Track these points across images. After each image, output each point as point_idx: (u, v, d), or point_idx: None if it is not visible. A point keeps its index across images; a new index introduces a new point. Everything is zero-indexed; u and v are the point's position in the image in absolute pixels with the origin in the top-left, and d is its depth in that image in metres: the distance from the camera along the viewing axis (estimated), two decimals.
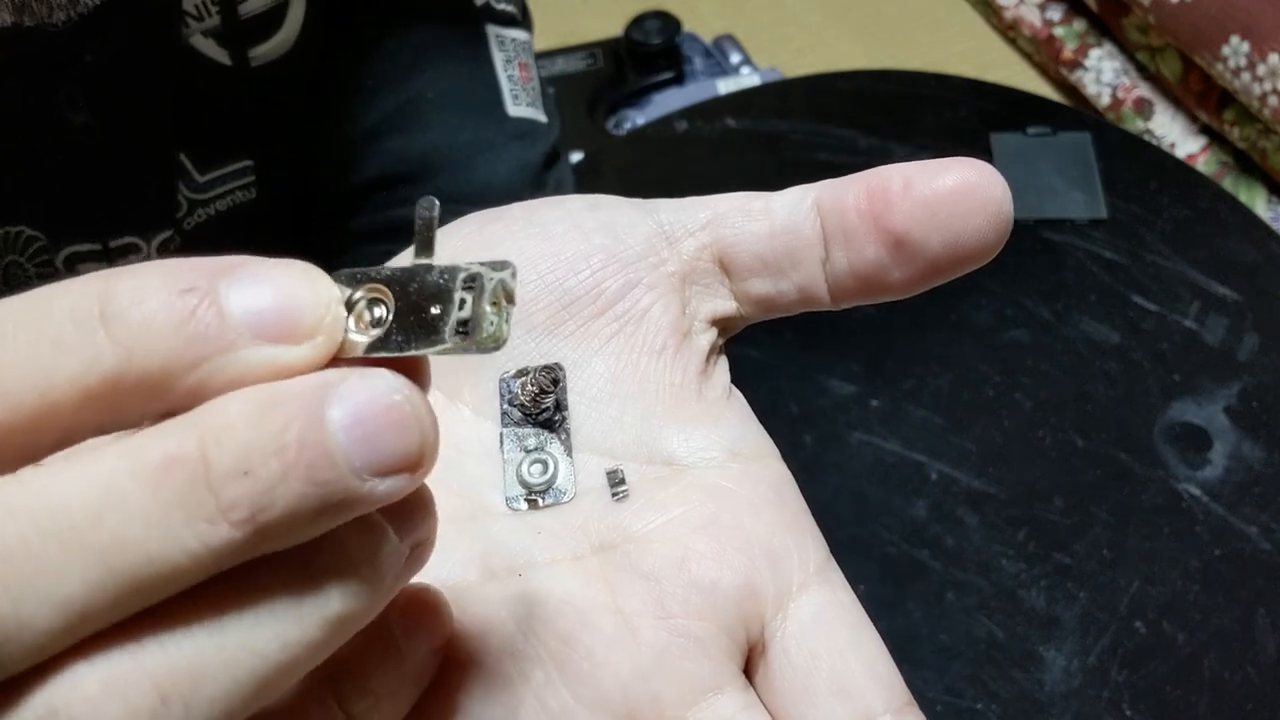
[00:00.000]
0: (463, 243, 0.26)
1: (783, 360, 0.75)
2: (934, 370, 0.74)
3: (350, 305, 0.19)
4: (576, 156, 1.18)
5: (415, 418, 0.17)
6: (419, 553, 0.19)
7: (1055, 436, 0.71)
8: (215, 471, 0.16)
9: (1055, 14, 1.30)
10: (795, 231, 0.24)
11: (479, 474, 0.24)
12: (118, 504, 0.16)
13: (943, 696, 0.62)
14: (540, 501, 0.24)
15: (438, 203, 0.20)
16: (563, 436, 0.24)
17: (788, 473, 0.25)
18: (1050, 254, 0.80)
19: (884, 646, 0.23)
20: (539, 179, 0.51)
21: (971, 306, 0.77)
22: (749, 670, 0.23)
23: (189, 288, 0.17)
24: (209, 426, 0.17)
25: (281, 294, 0.18)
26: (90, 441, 0.17)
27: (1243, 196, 1.12)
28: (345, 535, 0.18)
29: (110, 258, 0.48)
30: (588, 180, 0.89)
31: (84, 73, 0.43)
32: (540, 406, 0.24)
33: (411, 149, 0.50)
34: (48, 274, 0.47)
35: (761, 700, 0.23)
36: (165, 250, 0.49)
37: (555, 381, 0.24)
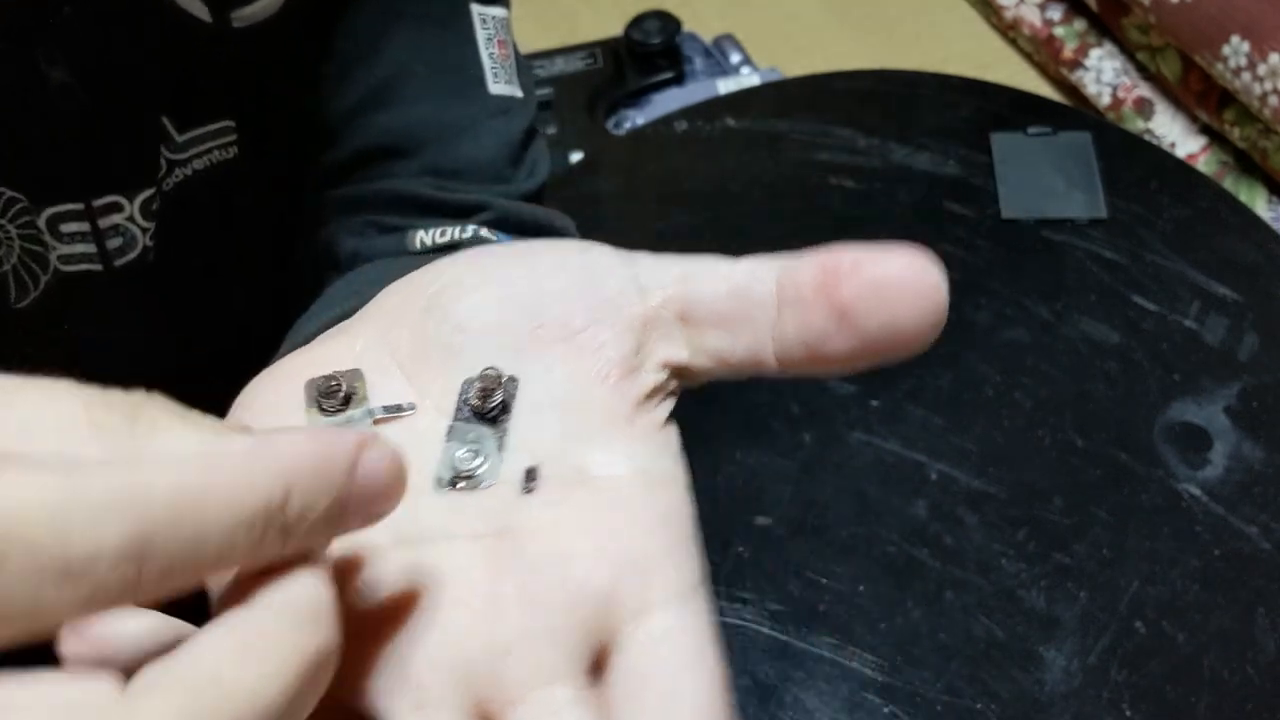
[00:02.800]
0: (457, 270, 0.29)
1: None
2: (934, 370, 0.74)
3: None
4: (576, 156, 1.18)
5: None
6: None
7: (1055, 436, 0.71)
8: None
9: (1055, 14, 1.30)
10: (751, 293, 0.26)
11: (426, 459, 0.27)
12: None
13: (942, 696, 0.62)
14: (460, 484, 0.27)
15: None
16: (500, 434, 0.27)
17: (686, 502, 0.27)
18: (1050, 254, 0.80)
19: (722, 681, 0.24)
20: (518, 156, 0.53)
21: (971, 306, 0.77)
22: (597, 671, 0.25)
23: None
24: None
25: None
26: None
27: (1243, 196, 1.13)
28: None
29: (93, 217, 0.48)
30: (588, 180, 0.89)
31: (62, 28, 0.43)
32: (488, 405, 0.27)
33: (398, 124, 0.51)
34: (30, 235, 0.47)
35: (600, 701, 0.24)
36: (148, 209, 0.49)
37: (499, 383, 0.27)
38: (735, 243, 0.88)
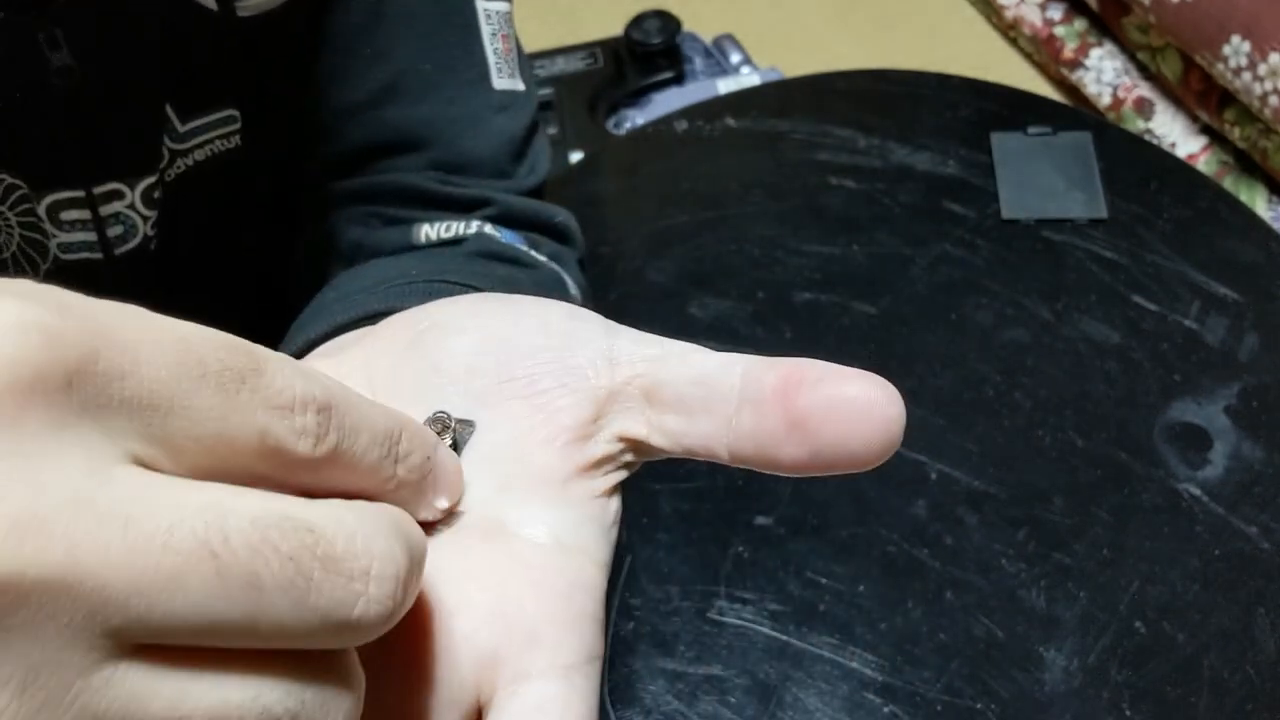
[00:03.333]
0: (448, 313, 0.30)
1: None
2: (934, 370, 0.74)
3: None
4: (576, 156, 1.18)
5: None
6: None
7: (1055, 436, 0.71)
8: None
9: (1056, 14, 1.30)
10: (716, 386, 0.27)
11: None
12: None
13: (942, 696, 0.62)
14: None
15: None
16: None
17: (598, 581, 0.27)
18: (1050, 254, 0.80)
19: None
20: (520, 150, 0.53)
21: (971, 306, 0.77)
22: None
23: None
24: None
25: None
26: None
27: (1243, 196, 1.13)
28: None
29: (94, 205, 0.48)
30: (588, 180, 0.89)
31: (64, 12, 0.42)
32: None
33: (406, 119, 0.51)
34: (30, 223, 0.47)
35: None
36: (149, 198, 0.49)
37: (448, 425, 0.28)
38: (735, 243, 0.89)
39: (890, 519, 0.68)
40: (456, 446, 0.28)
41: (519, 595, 0.26)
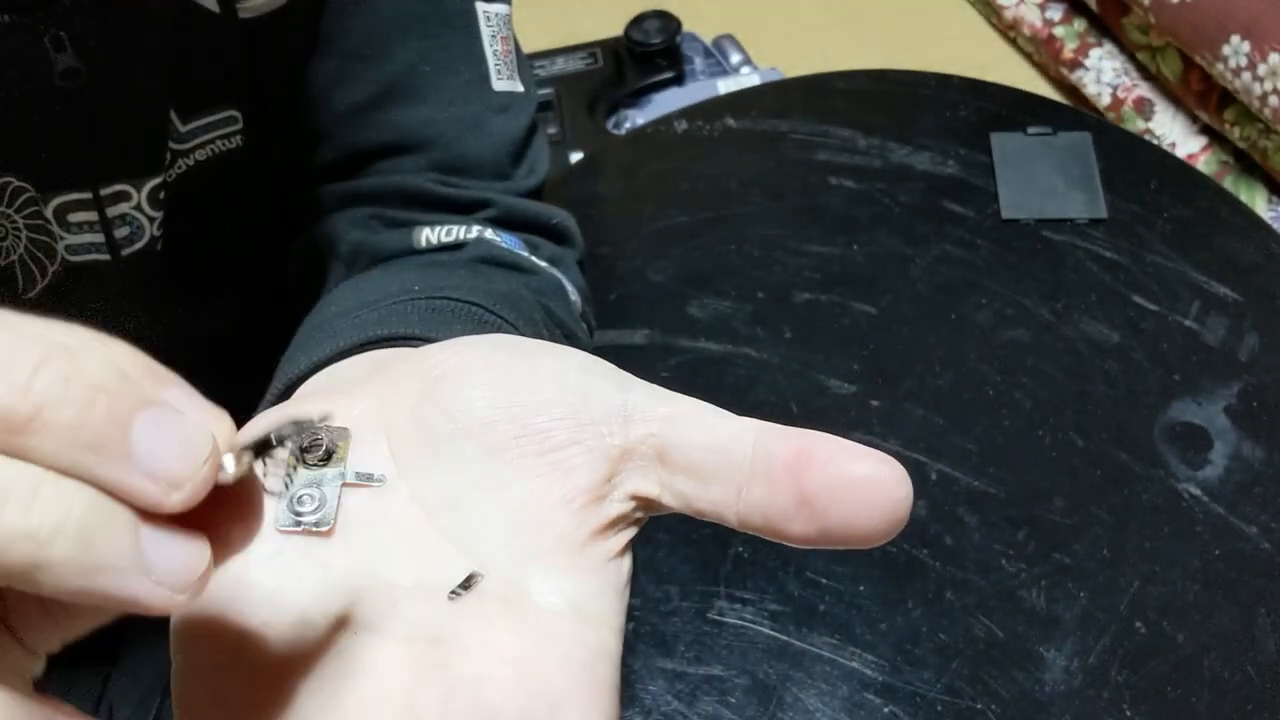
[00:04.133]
0: (464, 359, 0.29)
1: (783, 360, 0.75)
2: (934, 370, 0.74)
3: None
4: (576, 156, 1.18)
5: None
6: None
7: (1055, 436, 0.71)
8: None
9: (1055, 14, 1.30)
10: (729, 454, 0.27)
11: (383, 538, 0.28)
12: None
13: (942, 696, 0.62)
14: (299, 526, 0.27)
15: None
16: (338, 481, 0.28)
17: (616, 648, 0.27)
18: (1050, 254, 0.80)
19: None
20: (520, 152, 0.53)
21: (971, 306, 0.77)
22: None
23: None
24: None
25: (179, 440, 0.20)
26: None
27: (1243, 196, 1.13)
28: None
29: (101, 206, 0.48)
30: (588, 180, 0.89)
31: (69, 14, 0.43)
32: (312, 454, 0.28)
33: (407, 121, 0.51)
34: (38, 226, 0.47)
35: None
36: (155, 198, 0.49)
37: (301, 430, 0.27)
38: (735, 243, 0.89)
39: None
40: (329, 456, 0.28)
41: (542, 668, 0.26)
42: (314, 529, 0.27)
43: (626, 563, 0.28)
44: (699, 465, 0.27)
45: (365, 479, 0.28)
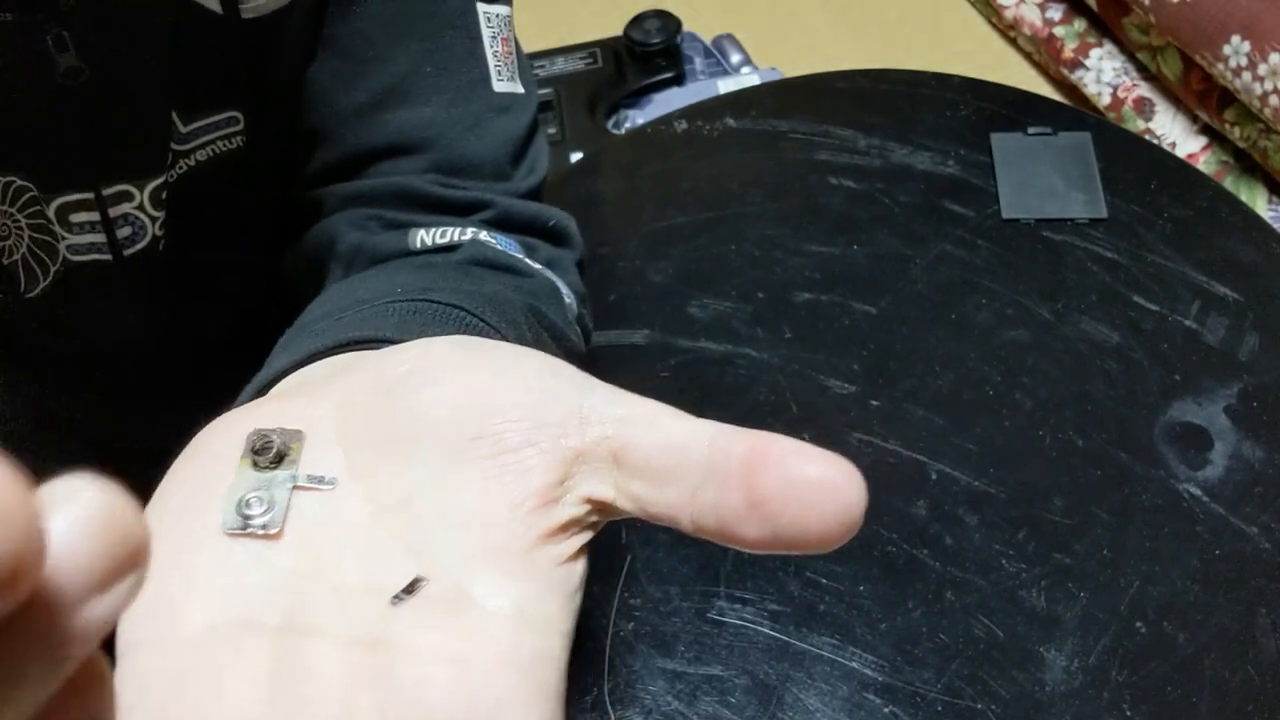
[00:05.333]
0: (428, 359, 0.29)
1: (783, 360, 0.75)
2: (934, 370, 0.74)
3: None
4: (576, 156, 1.18)
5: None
6: None
7: (1055, 436, 0.71)
8: None
9: (1055, 14, 1.30)
10: (685, 455, 0.27)
11: (331, 540, 0.28)
12: None
13: (942, 696, 0.62)
14: (247, 528, 0.27)
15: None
16: (289, 483, 0.28)
17: (560, 652, 0.27)
18: (1050, 254, 0.80)
19: None
20: (520, 153, 0.53)
21: (971, 306, 0.77)
22: None
23: None
24: None
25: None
26: None
27: (1243, 196, 1.13)
28: None
29: (103, 207, 0.48)
30: (588, 180, 0.89)
31: (71, 13, 0.43)
32: (264, 456, 0.28)
33: (408, 122, 0.51)
34: (40, 225, 0.47)
35: None
36: (157, 198, 0.49)
37: (266, 446, 0.28)
38: (735, 243, 0.89)
39: (890, 519, 0.68)
40: (281, 459, 0.28)
41: (483, 672, 0.25)
42: (261, 531, 0.27)
43: (579, 567, 0.28)
44: (654, 466, 0.27)
45: (316, 481, 0.28)
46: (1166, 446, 0.70)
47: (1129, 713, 0.61)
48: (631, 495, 0.28)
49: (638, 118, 1.20)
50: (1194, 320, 0.76)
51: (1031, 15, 1.32)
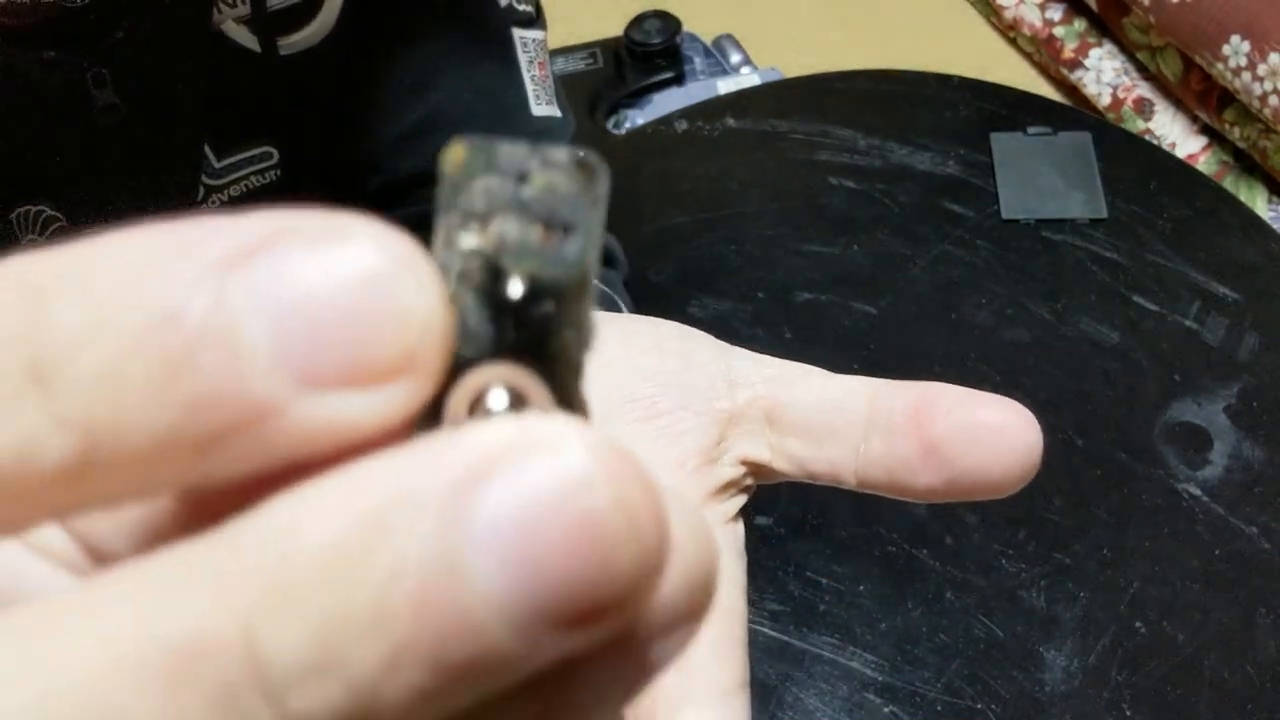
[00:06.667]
0: None
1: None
2: (934, 370, 0.74)
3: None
4: None
5: (628, 526, 0.11)
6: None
7: (1055, 436, 0.71)
8: (274, 670, 0.10)
9: (1055, 14, 1.30)
10: (843, 410, 0.27)
11: None
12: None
13: (942, 696, 0.62)
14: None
15: None
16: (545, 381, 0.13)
17: (742, 606, 0.27)
18: (1050, 254, 0.80)
19: None
20: None
21: (972, 306, 0.77)
22: None
23: (173, 309, 0.11)
24: (259, 582, 0.10)
25: (342, 299, 0.11)
26: (59, 602, 0.11)
27: (1243, 196, 1.12)
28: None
29: None
30: None
31: (113, 52, 0.43)
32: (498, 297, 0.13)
33: None
34: None
35: None
36: None
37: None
38: (735, 243, 0.89)
39: (890, 519, 0.68)
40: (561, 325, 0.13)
41: None
42: None
43: (741, 529, 0.28)
44: (811, 425, 0.27)
45: None
46: (1166, 446, 0.70)
47: (1129, 713, 0.61)
48: (789, 455, 0.27)
49: (638, 118, 1.20)
50: (1194, 320, 0.76)
51: (1031, 15, 1.32)
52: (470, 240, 0.12)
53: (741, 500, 0.28)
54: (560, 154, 0.13)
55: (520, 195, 0.13)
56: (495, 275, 0.12)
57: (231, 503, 0.11)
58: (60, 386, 0.11)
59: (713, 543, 0.13)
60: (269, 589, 0.10)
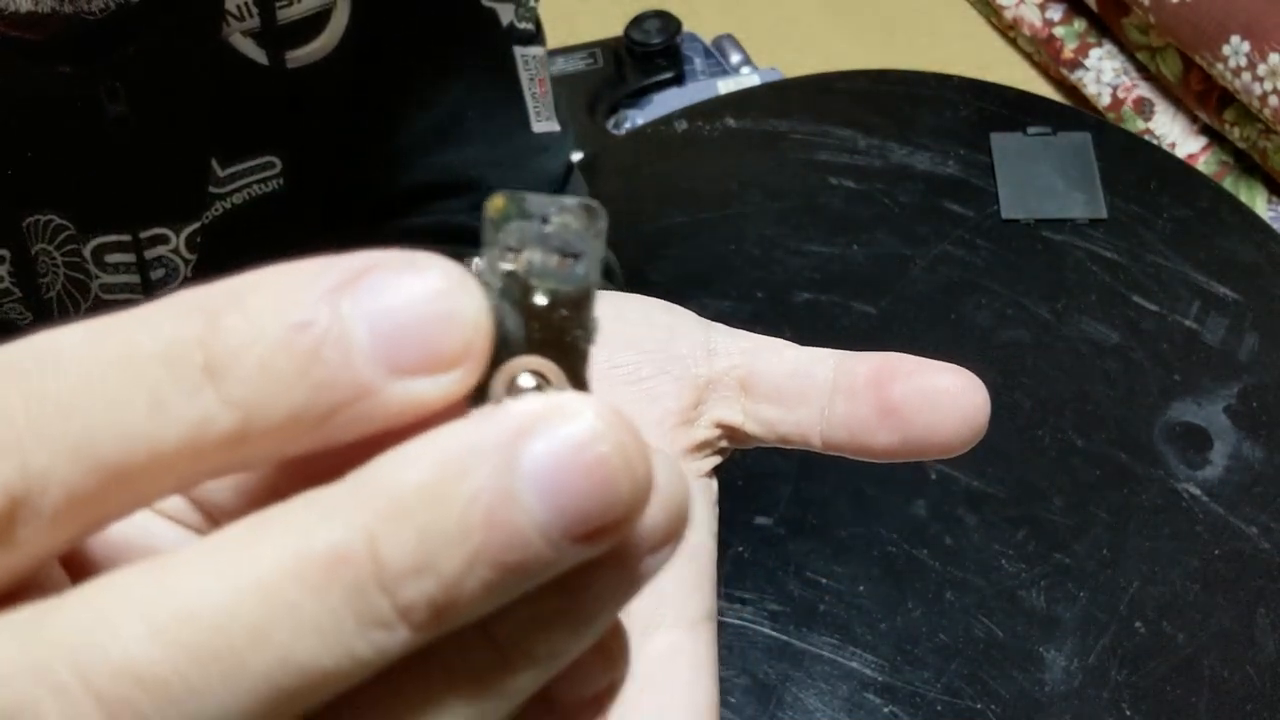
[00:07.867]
0: None
1: None
2: None
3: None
4: (576, 156, 1.18)
5: (625, 467, 0.15)
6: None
7: (1055, 436, 0.71)
8: (389, 571, 0.15)
9: (1055, 14, 1.30)
10: (810, 376, 0.29)
11: None
12: (283, 617, 0.15)
13: (942, 696, 0.62)
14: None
15: None
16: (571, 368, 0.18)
17: (711, 546, 0.29)
18: (1050, 254, 0.80)
19: (715, 704, 0.27)
20: (559, 190, 0.56)
21: (971, 306, 0.77)
22: None
23: (306, 321, 0.16)
24: (375, 510, 0.15)
25: (418, 311, 0.16)
26: (231, 531, 0.15)
27: (1243, 196, 1.12)
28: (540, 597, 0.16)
29: (140, 249, 0.48)
30: (587, 180, 0.89)
31: (126, 66, 0.44)
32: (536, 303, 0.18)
33: (450, 164, 0.53)
34: (75, 264, 0.48)
35: None
36: (192, 242, 0.50)
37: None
38: (735, 243, 0.89)
39: (890, 519, 0.68)
40: (583, 328, 0.18)
41: None
42: None
43: (714, 485, 0.30)
44: (782, 390, 0.29)
45: None
46: (1166, 446, 0.70)
47: (1129, 712, 0.61)
48: (761, 419, 0.30)
49: (638, 118, 1.20)
50: (1194, 320, 0.76)
51: (1031, 15, 1.32)
52: (507, 265, 0.18)
53: (715, 460, 0.31)
54: (572, 202, 0.18)
55: (543, 232, 0.18)
56: (525, 291, 0.18)
57: (324, 467, 0.16)
58: (229, 377, 0.15)
59: (684, 482, 0.17)
60: (385, 516, 0.15)
